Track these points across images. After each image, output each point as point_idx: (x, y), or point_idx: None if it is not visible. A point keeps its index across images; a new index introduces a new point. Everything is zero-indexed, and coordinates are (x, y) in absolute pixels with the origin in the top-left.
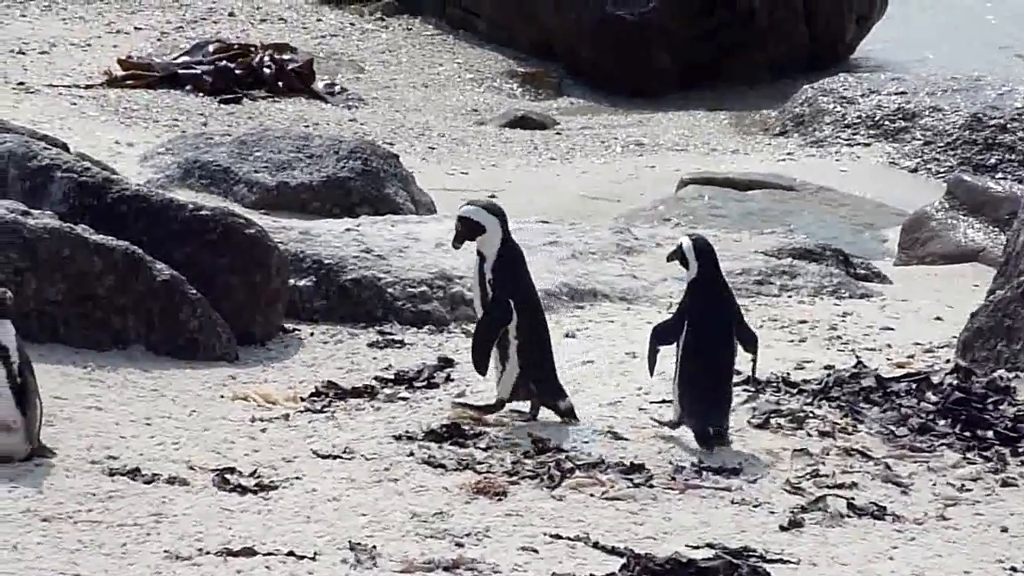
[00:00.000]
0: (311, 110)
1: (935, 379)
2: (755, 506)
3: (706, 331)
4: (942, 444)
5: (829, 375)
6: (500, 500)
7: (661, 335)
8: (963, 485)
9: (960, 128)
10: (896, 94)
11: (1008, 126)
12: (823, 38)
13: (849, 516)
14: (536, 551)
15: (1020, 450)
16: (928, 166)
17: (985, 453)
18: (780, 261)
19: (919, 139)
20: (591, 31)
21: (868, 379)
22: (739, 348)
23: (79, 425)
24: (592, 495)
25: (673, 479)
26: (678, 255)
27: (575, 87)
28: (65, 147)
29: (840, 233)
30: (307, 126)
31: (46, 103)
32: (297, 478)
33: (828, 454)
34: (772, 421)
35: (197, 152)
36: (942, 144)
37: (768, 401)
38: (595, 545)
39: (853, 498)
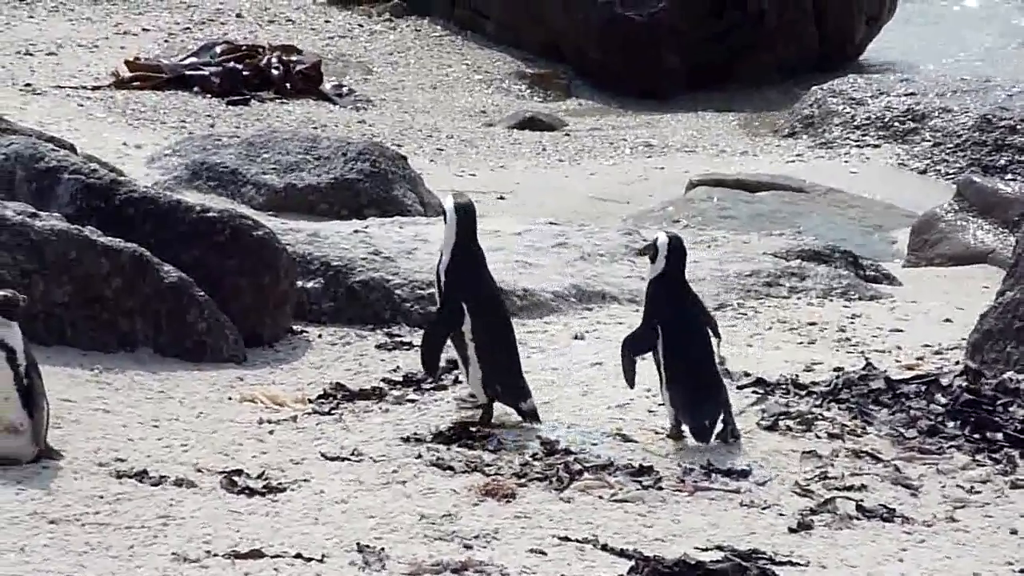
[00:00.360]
0: (319, 112)
1: (944, 381)
2: (764, 508)
3: (682, 328)
4: (951, 446)
5: (838, 377)
6: (509, 502)
7: (636, 345)
8: (972, 487)
9: (970, 129)
10: (906, 95)
11: (1018, 127)
12: (833, 39)
13: (858, 518)
14: (545, 553)
15: None
16: (938, 167)
17: (995, 455)
18: (789, 263)
19: (929, 140)
20: (600, 32)
21: (877, 381)
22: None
23: (86, 427)
24: (601, 497)
25: (682, 481)
26: (651, 250)
27: (584, 88)
28: (72, 149)
29: (849, 235)
30: (315, 128)
31: (53, 104)
32: (305, 480)
33: (837, 456)
34: (781, 423)
35: (205, 154)
36: (952, 145)
37: (777, 403)
38: (604, 547)
39: (862, 500)
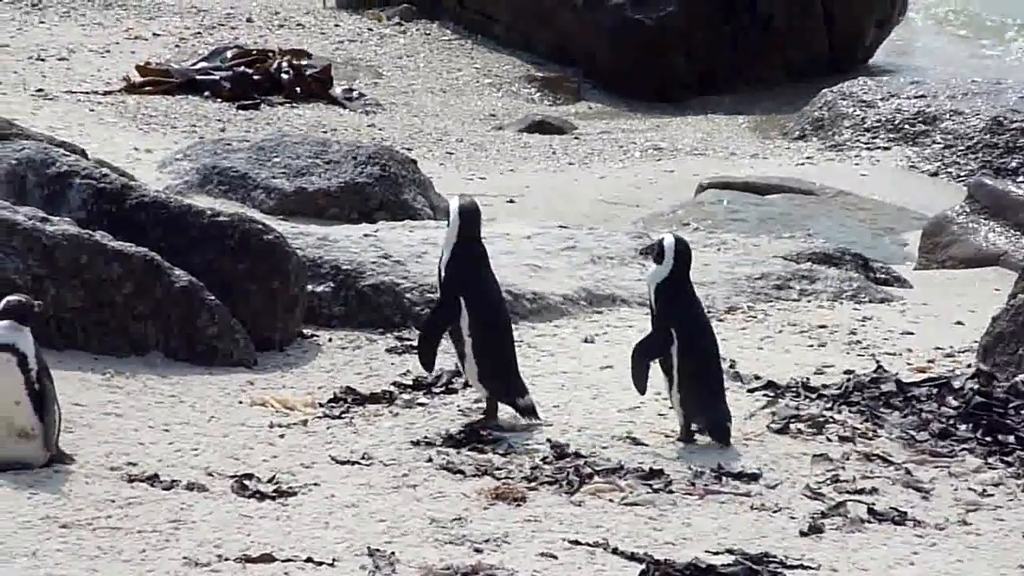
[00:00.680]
0: (329, 115)
1: (956, 384)
2: (775, 511)
3: (696, 330)
4: (963, 449)
5: (849, 380)
6: (519, 506)
7: (648, 350)
8: (984, 490)
9: (981, 131)
10: (916, 97)
11: None
12: (842, 42)
13: (870, 521)
14: (555, 557)
15: None
16: (948, 170)
17: (1006, 458)
18: (800, 265)
19: (939, 142)
20: (610, 35)
21: (888, 384)
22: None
23: (98, 432)
24: (611, 501)
25: (692, 484)
26: (655, 250)
27: (593, 91)
28: (83, 153)
29: (860, 237)
30: (325, 132)
31: (65, 109)
32: (315, 484)
33: (848, 459)
34: (792, 426)
35: (215, 158)
36: (962, 147)
37: (788, 406)
38: (614, 551)
39: (874, 503)
